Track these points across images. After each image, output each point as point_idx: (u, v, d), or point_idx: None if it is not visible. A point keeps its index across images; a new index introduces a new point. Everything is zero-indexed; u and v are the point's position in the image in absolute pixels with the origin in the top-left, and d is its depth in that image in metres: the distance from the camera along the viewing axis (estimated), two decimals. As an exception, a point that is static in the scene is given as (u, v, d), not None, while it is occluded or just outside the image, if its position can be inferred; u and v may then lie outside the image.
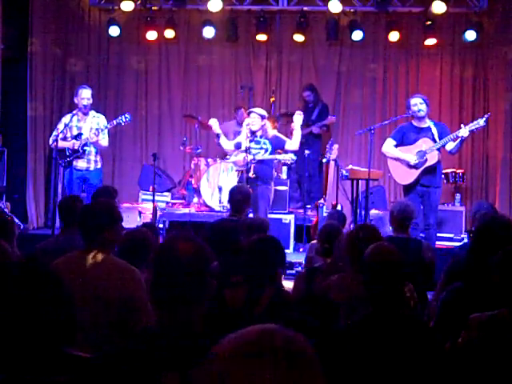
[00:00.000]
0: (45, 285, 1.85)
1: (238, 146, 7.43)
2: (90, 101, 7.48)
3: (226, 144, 7.62)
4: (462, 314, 2.81)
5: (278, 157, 7.42)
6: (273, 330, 1.19)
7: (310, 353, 1.18)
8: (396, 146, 7.00)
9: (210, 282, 2.04)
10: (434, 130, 6.85)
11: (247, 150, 7.11)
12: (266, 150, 7.17)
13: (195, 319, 1.99)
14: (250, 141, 7.20)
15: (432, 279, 4.56)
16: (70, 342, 1.86)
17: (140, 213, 8.71)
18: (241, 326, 1.21)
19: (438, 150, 6.84)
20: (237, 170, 7.51)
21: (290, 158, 7.45)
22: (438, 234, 7.45)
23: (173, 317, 1.97)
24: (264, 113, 7.35)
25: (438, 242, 7.36)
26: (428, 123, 6.92)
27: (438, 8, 9.19)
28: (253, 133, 7.21)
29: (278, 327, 1.20)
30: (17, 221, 8.15)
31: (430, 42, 9.62)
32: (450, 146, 6.82)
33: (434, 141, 6.81)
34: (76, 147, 7.36)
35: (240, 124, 8.53)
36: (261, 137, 7.21)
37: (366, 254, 2.78)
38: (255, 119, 7.18)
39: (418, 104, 6.82)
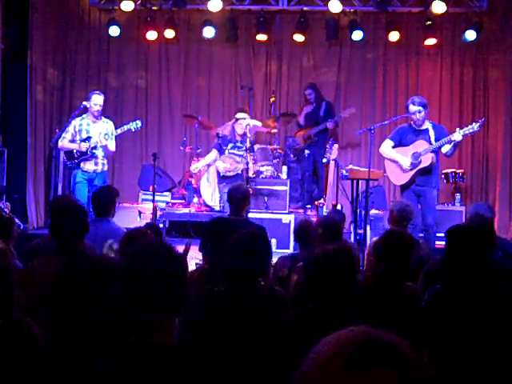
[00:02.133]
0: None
1: (223, 145, 7.62)
2: (101, 107, 7.59)
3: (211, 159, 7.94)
4: (443, 315, 2.84)
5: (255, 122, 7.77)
6: (378, 336, 1.05)
7: (419, 360, 1.06)
8: (394, 146, 7.05)
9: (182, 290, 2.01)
10: (432, 133, 6.90)
11: (247, 150, 7.15)
12: (247, 150, 7.33)
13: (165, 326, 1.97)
14: (232, 147, 7.41)
15: None
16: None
17: (140, 213, 8.70)
18: (236, 324, 1.19)
19: (435, 151, 6.87)
20: (223, 176, 7.66)
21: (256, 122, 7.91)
22: (438, 234, 7.46)
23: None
24: (245, 115, 7.63)
25: (437, 242, 7.36)
26: (427, 125, 6.96)
27: (438, 8, 9.19)
28: (241, 135, 7.44)
29: (382, 332, 1.07)
30: (17, 221, 8.17)
31: (430, 42, 9.62)
32: (446, 148, 6.86)
33: (430, 143, 6.86)
34: (83, 149, 7.43)
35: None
36: (241, 142, 7.40)
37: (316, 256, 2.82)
38: (242, 124, 7.42)
39: (416, 113, 6.86)
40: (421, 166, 6.84)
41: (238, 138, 7.53)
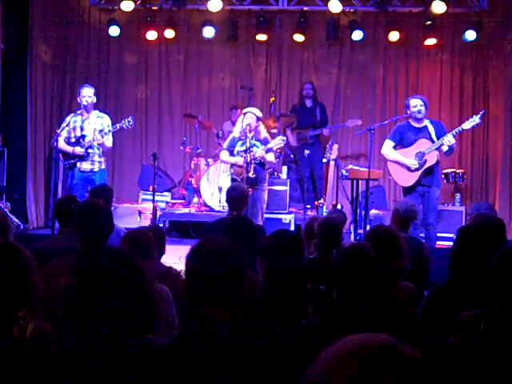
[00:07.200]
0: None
1: (231, 146, 7.37)
2: (92, 99, 7.35)
3: (225, 157, 7.60)
4: (445, 313, 2.84)
5: (270, 145, 7.30)
6: (392, 344, 1.05)
7: (428, 374, 1.05)
8: (395, 146, 6.99)
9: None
10: (431, 129, 6.86)
11: (247, 150, 7.11)
12: (246, 150, 7.13)
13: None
14: (242, 143, 7.20)
15: (427, 279, 4.61)
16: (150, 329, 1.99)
17: (140, 213, 8.71)
18: None
19: (437, 149, 6.86)
20: (235, 180, 7.33)
21: (280, 140, 7.31)
22: (438, 234, 7.46)
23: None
24: (260, 114, 7.37)
25: (437, 242, 7.37)
26: (425, 122, 6.92)
27: (438, 8, 9.19)
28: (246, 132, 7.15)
29: (396, 341, 1.07)
30: (17, 221, 8.17)
31: (430, 41, 9.62)
32: (445, 148, 6.84)
33: (432, 141, 6.82)
34: (77, 152, 7.27)
35: (235, 124, 8.40)
36: (252, 138, 7.18)
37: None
38: (252, 119, 7.17)
39: (418, 105, 6.80)
40: (427, 164, 6.78)
41: (250, 134, 7.20)
